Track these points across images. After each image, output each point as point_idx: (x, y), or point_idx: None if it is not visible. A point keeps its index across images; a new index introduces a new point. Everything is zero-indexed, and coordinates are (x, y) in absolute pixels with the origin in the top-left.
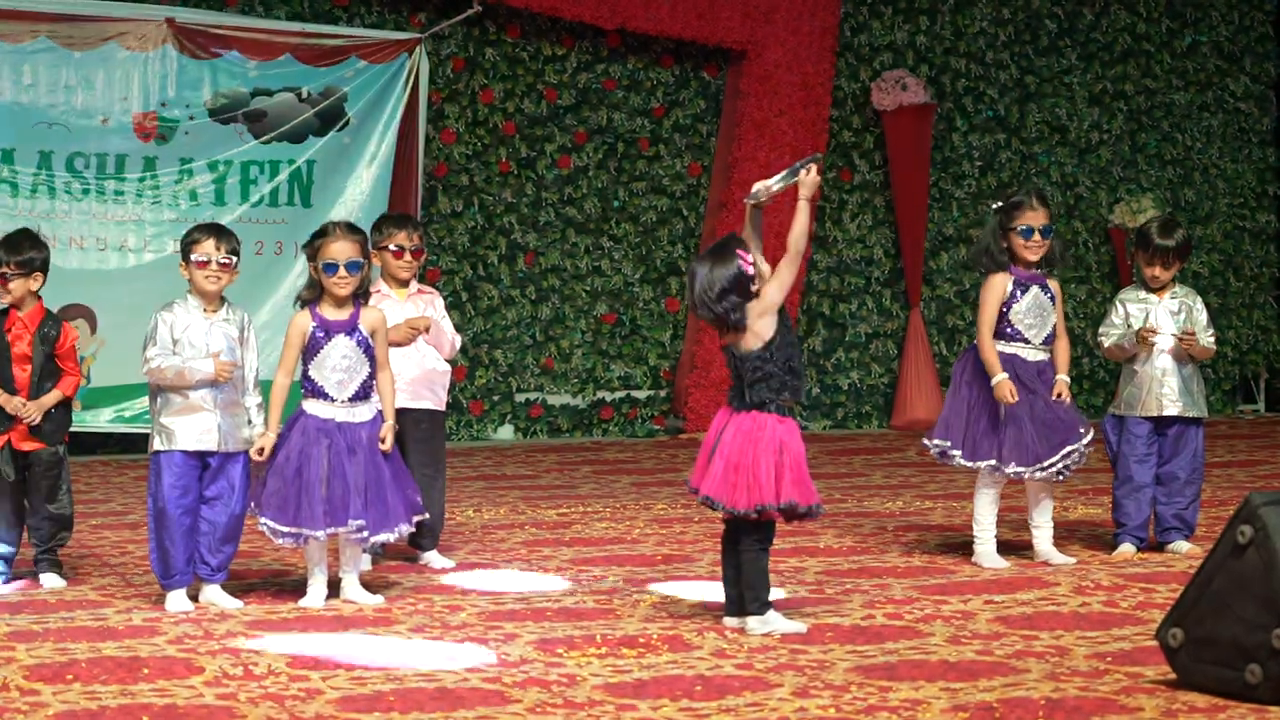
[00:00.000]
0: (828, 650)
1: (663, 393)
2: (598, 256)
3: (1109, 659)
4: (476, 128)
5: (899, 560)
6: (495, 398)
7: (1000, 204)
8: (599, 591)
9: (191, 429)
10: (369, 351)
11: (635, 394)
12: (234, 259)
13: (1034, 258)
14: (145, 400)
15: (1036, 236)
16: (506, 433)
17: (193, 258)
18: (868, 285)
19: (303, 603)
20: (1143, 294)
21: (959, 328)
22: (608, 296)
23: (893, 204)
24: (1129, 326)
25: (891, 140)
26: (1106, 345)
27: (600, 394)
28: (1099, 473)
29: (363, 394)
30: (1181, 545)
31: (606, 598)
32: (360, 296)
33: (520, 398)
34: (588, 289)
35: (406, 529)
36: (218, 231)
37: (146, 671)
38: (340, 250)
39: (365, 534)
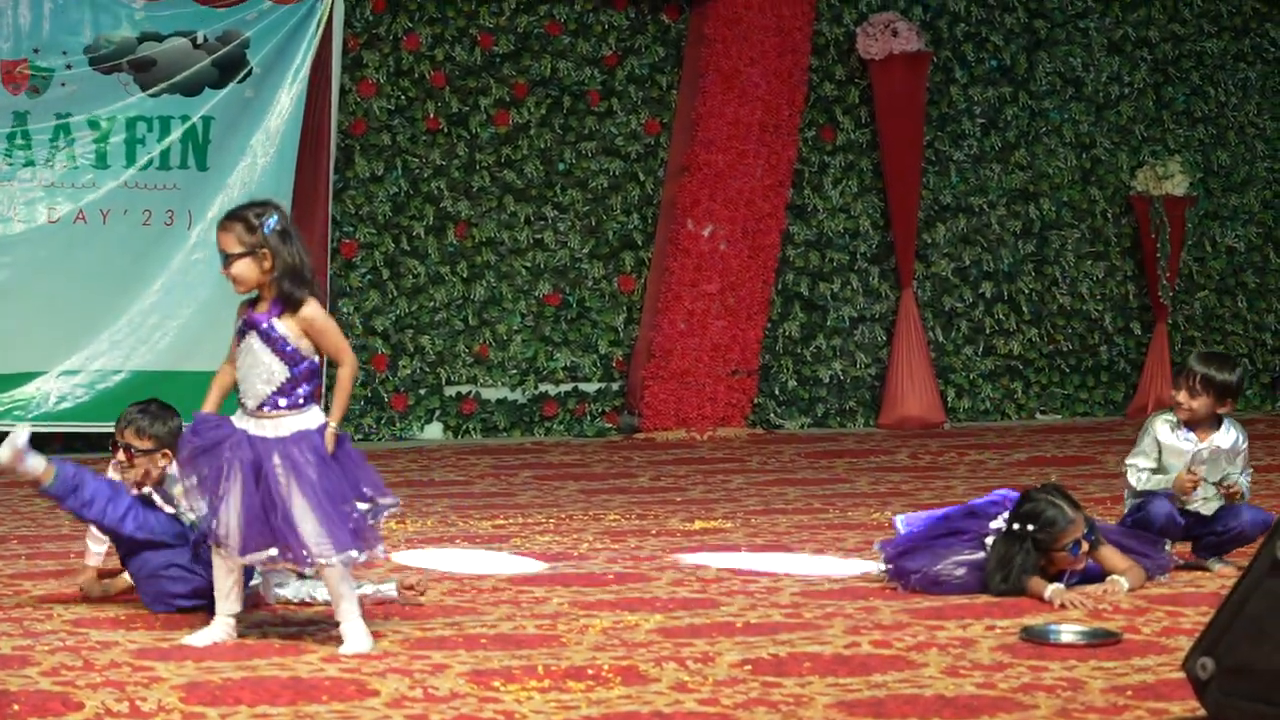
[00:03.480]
0: (805, 683)
1: (615, 385)
2: (540, 228)
3: (1129, 693)
4: (400, 79)
5: (887, 580)
6: (421, 391)
7: (1024, 526)
8: (541, 616)
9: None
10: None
11: (583, 387)
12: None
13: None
14: (23, 391)
15: (1084, 546)
16: (434, 431)
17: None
18: (852, 262)
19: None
20: (1183, 431)
21: (957, 310)
22: (551, 274)
23: (881, 168)
24: (1159, 462)
25: (880, 94)
26: (1135, 486)
27: (543, 387)
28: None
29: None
30: (1220, 565)
31: (550, 623)
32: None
33: (450, 391)
34: (528, 265)
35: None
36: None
37: (17, 708)
38: (217, 241)
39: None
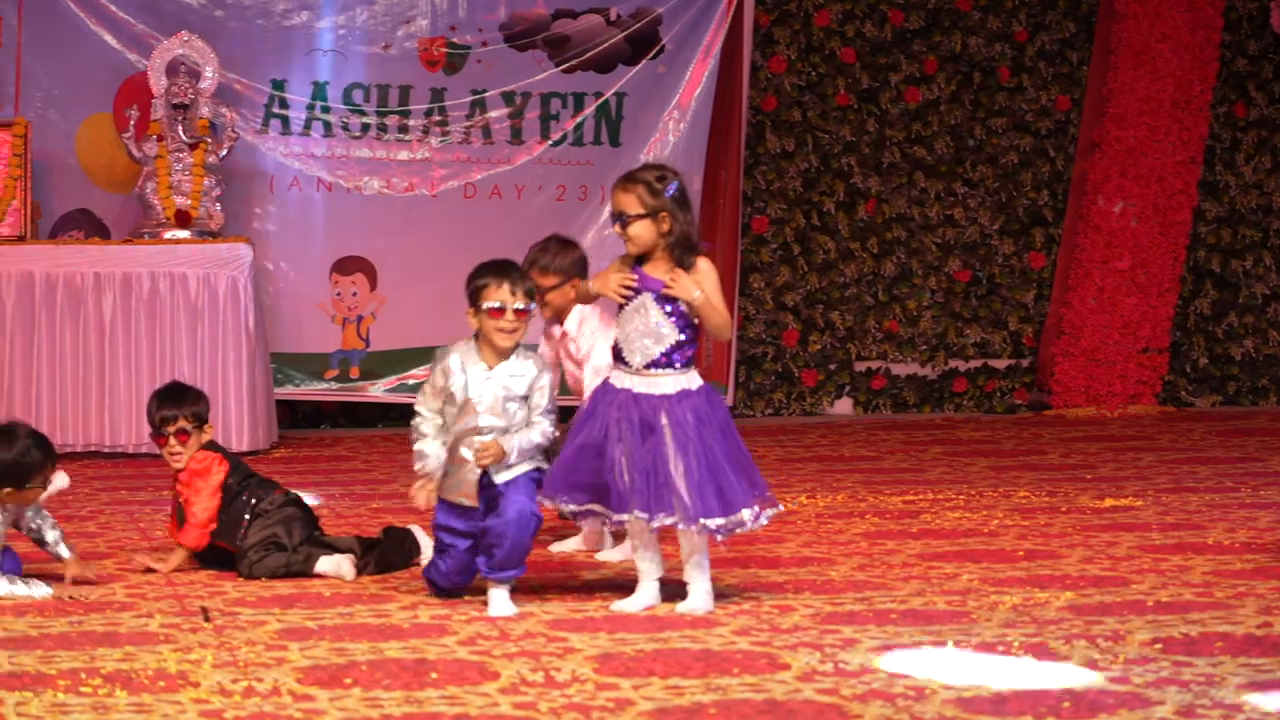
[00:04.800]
0: (1217, 663)
1: (1025, 362)
2: (950, 204)
3: None
4: (810, 55)
5: None
6: (832, 367)
7: None
8: (951, 592)
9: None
10: (678, 318)
11: (993, 363)
12: (531, 305)
13: None
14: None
15: None
16: (844, 406)
17: (485, 305)
18: (1265, 239)
19: (619, 605)
20: None
21: None
22: (962, 250)
23: None
24: None
25: None
26: None
27: (952, 363)
28: None
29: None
30: None
31: (960, 599)
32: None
33: (860, 367)
34: (938, 242)
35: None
36: (510, 273)
37: (435, 676)
38: (614, 202)
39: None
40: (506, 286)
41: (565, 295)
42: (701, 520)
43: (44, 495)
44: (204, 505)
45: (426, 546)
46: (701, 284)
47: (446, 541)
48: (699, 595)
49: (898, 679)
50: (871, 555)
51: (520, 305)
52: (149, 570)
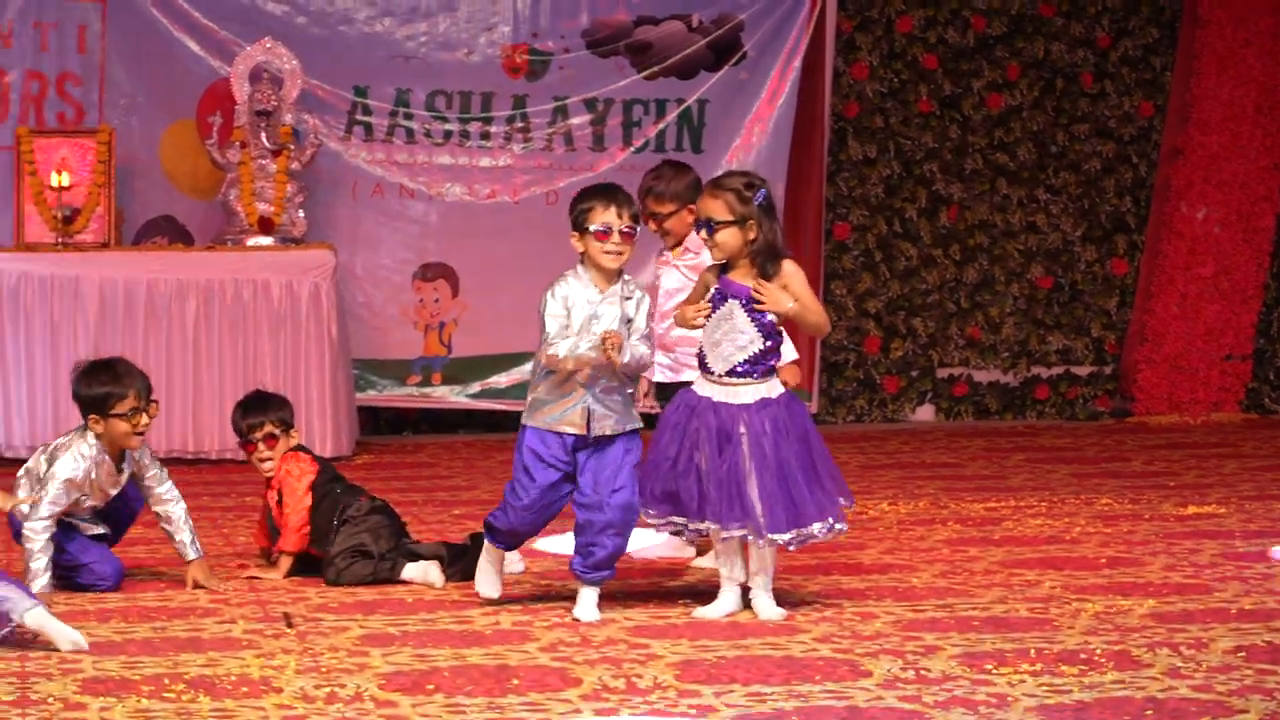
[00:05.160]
0: None
1: (1108, 369)
2: (1032, 210)
3: None
4: (893, 61)
5: None
6: (914, 373)
7: None
8: (1033, 599)
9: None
10: (763, 327)
11: (1075, 370)
12: (636, 228)
13: None
14: (511, 375)
15: None
16: (926, 413)
17: (591, 228)
18: None
19: (701, 612)
20: None
21: None
22: (1044, 257)
23: None
24: None
25: None
26: None
27: (1035, 370)
28: None
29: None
30: None
31: (1042, 606)
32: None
33: (942, 373)
34: (1020, 248)
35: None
36: (616, 195)
37: (516, 682)
38: (703, 207)
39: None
40: (613, 209)
41: (683, 221)
42: (769, 535)
43: (136, 433)
44: (297, 508)
45: (512, 556)
46: (790, 285)
47: (534, 473)
48: (765, 606)
49: (980, 686)
50: (953, 562)
51: (626, 227)
52: (254, 578)
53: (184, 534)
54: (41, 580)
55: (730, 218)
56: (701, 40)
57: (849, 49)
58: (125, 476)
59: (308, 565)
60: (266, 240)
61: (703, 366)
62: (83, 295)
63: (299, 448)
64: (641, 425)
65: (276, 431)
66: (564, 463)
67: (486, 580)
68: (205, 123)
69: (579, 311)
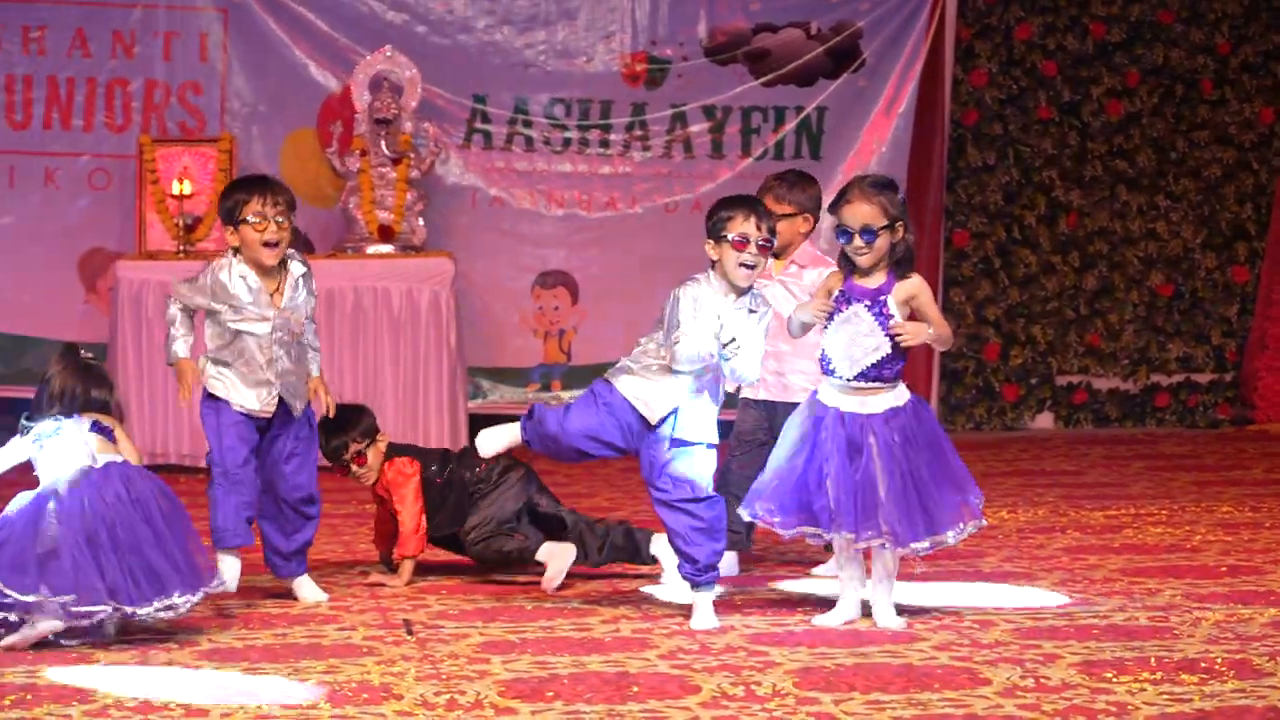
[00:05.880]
0: None
1: (1228, 376)
2: (1152, 217)
3: None
4: (1012, 68)
5: None
6: (1033, 381)
7: None
8: (1154, 608)
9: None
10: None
11: (1196, 378)
12: (773, 241)
13: None
14: None
15: None
16: (1045, 421)
17: (729, 236)
18: None
19: (820, 620)
20: None
21: None
22: (1164, 264)
23: None
24: None
25: None
26: None
27: (1155, 377)
28: None
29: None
30: None
31: (1162, 615)
32: (900, 263)
33: (1061, 381)
34: (1140, 255)
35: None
36: (757, 208)
37: (635, 690)
38: (853, 215)
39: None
40: (752, 220)
41: (794, 228)
42: (911, 544)
43: (264, 243)
44: (411, 512)
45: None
46: (918, 299)
47: (602, 416)
48: (885, 614)
49: (1099, 695)
50: (1073, 570)
51: (763, 240)
52: (379, 585)
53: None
54: (174, 346)
55: (885, 222)
56: (820, 47)
57: (968, 56)
58: (287, 299)
59: (451, 544)
60: (386, 248)
61: (827, 372)
62: None
63: (393, 450)
64: (719, 441)
65: (362, 448)
66: (629, 434)
67: (493, 438)
68: (325, 131)
69: (707, 316)
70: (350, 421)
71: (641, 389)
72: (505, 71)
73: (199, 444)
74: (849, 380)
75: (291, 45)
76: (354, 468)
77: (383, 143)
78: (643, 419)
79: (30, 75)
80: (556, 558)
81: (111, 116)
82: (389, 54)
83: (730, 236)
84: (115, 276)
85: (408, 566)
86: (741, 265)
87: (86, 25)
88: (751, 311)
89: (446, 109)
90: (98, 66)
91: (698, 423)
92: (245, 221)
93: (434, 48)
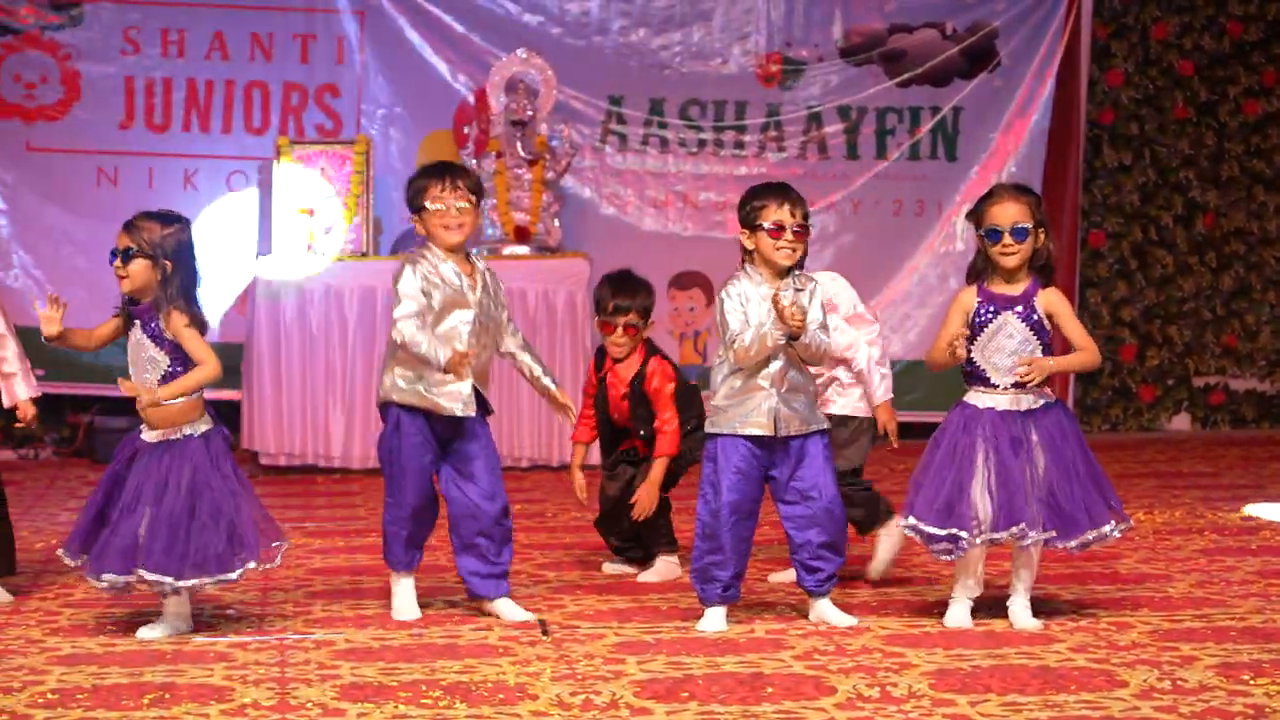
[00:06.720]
0: None
1: None
2: None
3: None
4: (1148, 68)
5: None
6: (1169, 382)
7: None
8: None
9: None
10: (1041, 334)
11: None
12: (809, 226)
13: None
14: None
15: None
16: (1182, 422)
17: (765, 225)
18: None
19: (950, 620)
20: None
21: None
22: None
23: None
24: None
25: None
26: None
27: None
28: None
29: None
30: None
31: None
32: (1036, 270)
33: (1199, 382)
34: (1277, 256)
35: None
36: (790, 194)
37: (770, 691)
38: (1003, 214)
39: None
40: (786, 207)
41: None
42: (1083, 535)
43: (443, 225)
44: (671, 412)
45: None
46: (1059, 313)
47: (720, 484)
48: (1022, 615)
49: (1236, 697)
50: (1210, 572)
51: (798, 225)
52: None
53: (538, 371)
54: (434, 353)
55: (1031, 224)
56: (955, 48)
57: (1104, 56)
58: (481, 284)
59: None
60: (522, 249)
61: (979, 380)
62: (340, 304)
63: (651, 345)
64: (828, 425)
65: (638, 321)
66: (755, 465)
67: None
68: (461, 133)
69: (754, 306)
70: (640, 291)
71: (732, 416)
72: (640, 73)
73: (342, 447)
74: (1008, 386)
75: (428, 47)
76: (619, 332)
77: (518, 144)
78: (756, 440)
79: (169, 78)
80: None
81: (249, 119)
82: (525, 56)
83: (765, 225)
84: (251, 277)
85: (660, 466)
86: (779, 249)
87: (225, 28)
88: (799, 290)
89: (582, 110)
90: (236, 69)
91: (798, 417)
92: (425, 208)
93: (569, 50)
